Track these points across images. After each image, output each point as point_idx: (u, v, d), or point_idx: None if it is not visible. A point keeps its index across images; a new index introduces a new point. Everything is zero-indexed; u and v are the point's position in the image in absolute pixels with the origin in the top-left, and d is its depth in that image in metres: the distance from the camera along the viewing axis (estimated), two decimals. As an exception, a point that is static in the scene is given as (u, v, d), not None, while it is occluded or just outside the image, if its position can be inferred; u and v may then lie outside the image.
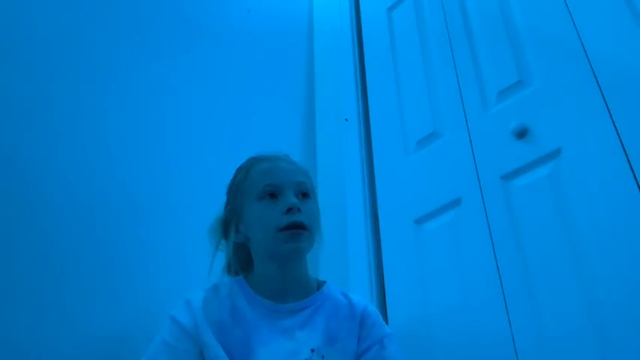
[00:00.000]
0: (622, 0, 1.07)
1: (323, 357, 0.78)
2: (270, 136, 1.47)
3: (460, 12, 1.45)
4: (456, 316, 1.11)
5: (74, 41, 1.08)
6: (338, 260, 1.33)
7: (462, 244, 1.17)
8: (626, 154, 0.96)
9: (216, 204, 0.92)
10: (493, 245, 1.10)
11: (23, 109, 0.94)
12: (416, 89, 1.47)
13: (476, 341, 1.05)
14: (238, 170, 0.93)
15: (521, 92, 1.19)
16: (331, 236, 1.18)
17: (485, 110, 1.26)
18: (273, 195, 0.84)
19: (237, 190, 0.89)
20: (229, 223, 0.88)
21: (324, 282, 0.90)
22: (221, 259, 0.90)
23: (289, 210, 0.81)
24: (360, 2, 1.85)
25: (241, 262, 0.89)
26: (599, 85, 1.05)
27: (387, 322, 1.09)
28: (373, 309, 0.89)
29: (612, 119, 1.00)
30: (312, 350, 0.78)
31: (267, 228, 0.82)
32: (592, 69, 1.07)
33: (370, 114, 1.58)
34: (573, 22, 1.15)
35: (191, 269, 0.98)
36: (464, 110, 1.31)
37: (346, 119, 1.60)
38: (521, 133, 1.14)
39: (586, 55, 1.10)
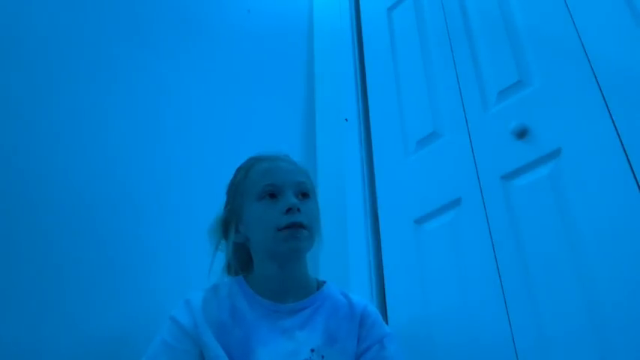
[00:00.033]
0: (622, 0, 1.07)
1: (323, 357, 0.78)
2: (270, 136, 1.47)
3: (460, 12, 1.45)
4: (456, 316, 1.11)
5: (74, 41, 1.08)
6: (338, 260, 1.33)
7: (462, 244, 1.17)
8: (626, 154, 0.96)
9: (216, 204, 0.92)
10: (493, 245, 1.10)
11: (23, 109, 0.94)
12: (416, 89, 1.47)
13: (476, 341, 1.05)
14: (238, 170, 0.93)
15: (521, 92, 1.19)
16: (331, 236, 1.18)
17: (485, 110, 1.26)
18: (272, 195, 0.84)
19: (236, 190, 0.89)
20: (229, 223, 0.88)
21: (324, 282, 0.90)
22: (221, 259, 0.90)
23: (289, 210, 0.81)
24: (360, 2, 1.85)
25: (241, 262, 0.89)
26: (599, 85, 1.05)
27: (387, 322, 1.09)
28: (373, 309, 0.89)
29: (612, 119, 1.00)
30: (312, 350, 0.79)
31: (267, 228, 0.82)
32: (592, 69, 1.07)
33: (370, 114, 1.58)
34: (573, 22, 1.15)
35: (191, 269, 0.98)
36: (464, 110, 1.31)
37: (346, 119, 1.60)
38: (521, 133, 1.14)
39: (586, 55, 1.10)
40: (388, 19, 1.68)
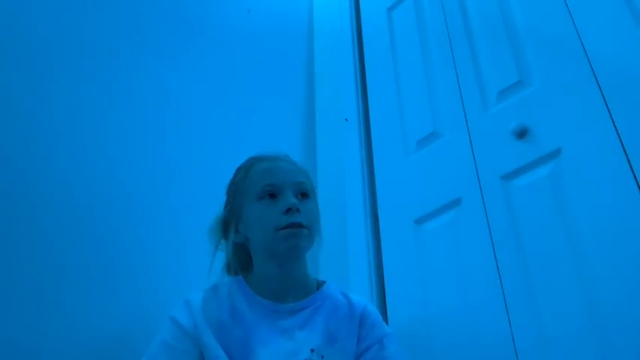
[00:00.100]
0: (622, 0, 1.07)
1: (322, 357, 0.78)
2: (270, 136, 1.47)
3: (460, 12, 1.45)
4: (456, 316, 1.11)
5: (74, 41, 1.08)
6: (338, 260, 1.33)
7: (462, 244, 1.17)
8: (626, 154, 0.96)
9: (216, 204, 0.92)
10: (493, 245, 1.10)
11: (23, 109, 0.94)
12: (416, 89, 1.47)
13: (476, 341, 1.05)
14: (238, 170, 0.93)
15: (521, 92, 1.19)
16: (331, 236, 1.18)
17: (485, 110, 1.26)
18: (272, 195, 0.84)
19: (236, 190, 0.89)
20: (229, 223, 0.88)
21: (324, 282, 0.90)
22: (221, 259, 0.90)
23: (288, 210, 0.81)
24: (360, 2, 1.85)
25: (241, 262, 0.89)
26: (599, 85, 1.05)
27: (387, 322, 1.09)
28: (373, 309, 0.89)
29: (612, 119, 1.00)
30: (312, 350, 0.79)
31: (267, 228, 0.82)
32: (592, 69, 1.07)
33: (370, 114, 1.58)
34: (573, 22, 1.15)
35: (191, 269, 0.98)
36: (464, 110, 1.31)
37: (346, 119, 1.60)
38: (521, 133, 1.14)
39: (586, 55, 1.10)
40: (388, 19, 1.68)
